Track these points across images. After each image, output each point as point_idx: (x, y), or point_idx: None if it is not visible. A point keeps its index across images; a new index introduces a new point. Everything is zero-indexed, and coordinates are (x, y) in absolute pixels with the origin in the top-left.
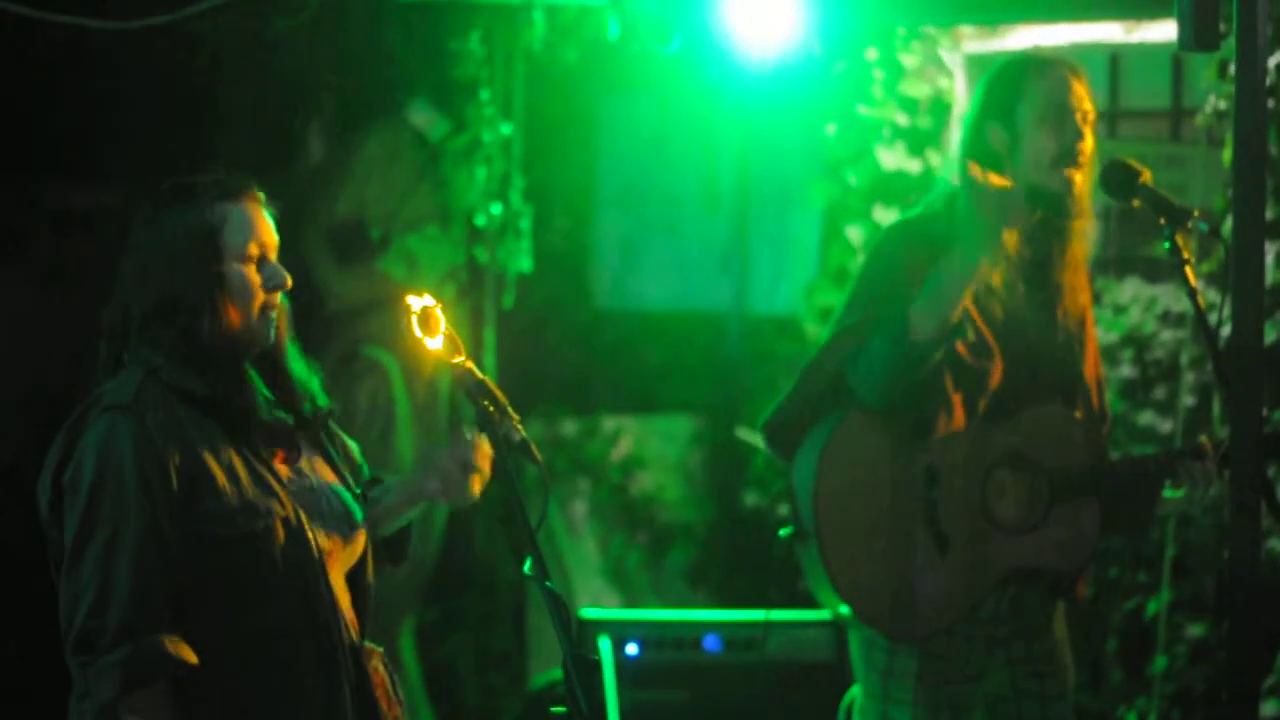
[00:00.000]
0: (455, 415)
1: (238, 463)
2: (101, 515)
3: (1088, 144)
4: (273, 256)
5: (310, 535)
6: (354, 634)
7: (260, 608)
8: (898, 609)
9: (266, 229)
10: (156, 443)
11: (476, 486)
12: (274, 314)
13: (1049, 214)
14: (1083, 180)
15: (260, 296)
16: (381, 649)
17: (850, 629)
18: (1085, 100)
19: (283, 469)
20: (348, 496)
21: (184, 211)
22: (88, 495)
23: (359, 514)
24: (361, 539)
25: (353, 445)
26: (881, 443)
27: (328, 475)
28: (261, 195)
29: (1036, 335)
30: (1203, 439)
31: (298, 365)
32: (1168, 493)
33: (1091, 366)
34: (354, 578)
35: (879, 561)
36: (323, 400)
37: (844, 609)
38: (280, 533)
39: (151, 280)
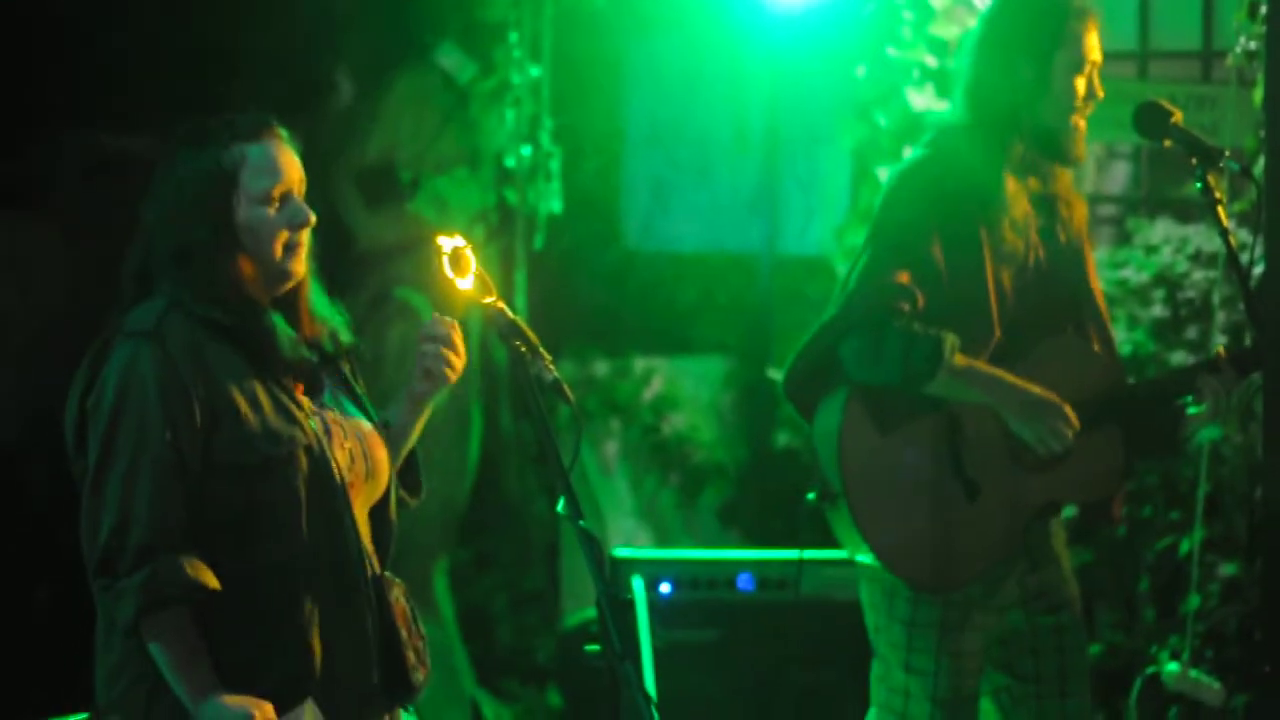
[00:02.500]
0: (486, 356)
1: (260, 391)
2: (122, 440)
3: (1098, 95)
4: (299, 192)
5: (334, 465)
6: (376, 566)
7: (283, 535)
8: (937, 562)
9: (290, 166)
10: (178, 369)
11: (454, 363)
12: (299, 252)
13: (1048, 158)
14: (1084, 127)
15: (283, 235)
16: (401, 581)
17: (865, 581)
18: (1098, 51)
19: (306, 401)
20: (371, 430)
21: (198, 156)
22: (109, 420)
23: (383, 448)
24: (385, 473)
25: (360, 386)
26: (901, 396)
27: (352, 409)
28: (284, 132)
29: (1050, 263)
30: (1217, 349)
31: (320, 302)
32: (1191, 409)
33: (1096, 286)
34: (376, 512)
35: (912, 516)
36: (346, 336)
37: (872, 564)
38: (303, 461)
39: (168, 228)
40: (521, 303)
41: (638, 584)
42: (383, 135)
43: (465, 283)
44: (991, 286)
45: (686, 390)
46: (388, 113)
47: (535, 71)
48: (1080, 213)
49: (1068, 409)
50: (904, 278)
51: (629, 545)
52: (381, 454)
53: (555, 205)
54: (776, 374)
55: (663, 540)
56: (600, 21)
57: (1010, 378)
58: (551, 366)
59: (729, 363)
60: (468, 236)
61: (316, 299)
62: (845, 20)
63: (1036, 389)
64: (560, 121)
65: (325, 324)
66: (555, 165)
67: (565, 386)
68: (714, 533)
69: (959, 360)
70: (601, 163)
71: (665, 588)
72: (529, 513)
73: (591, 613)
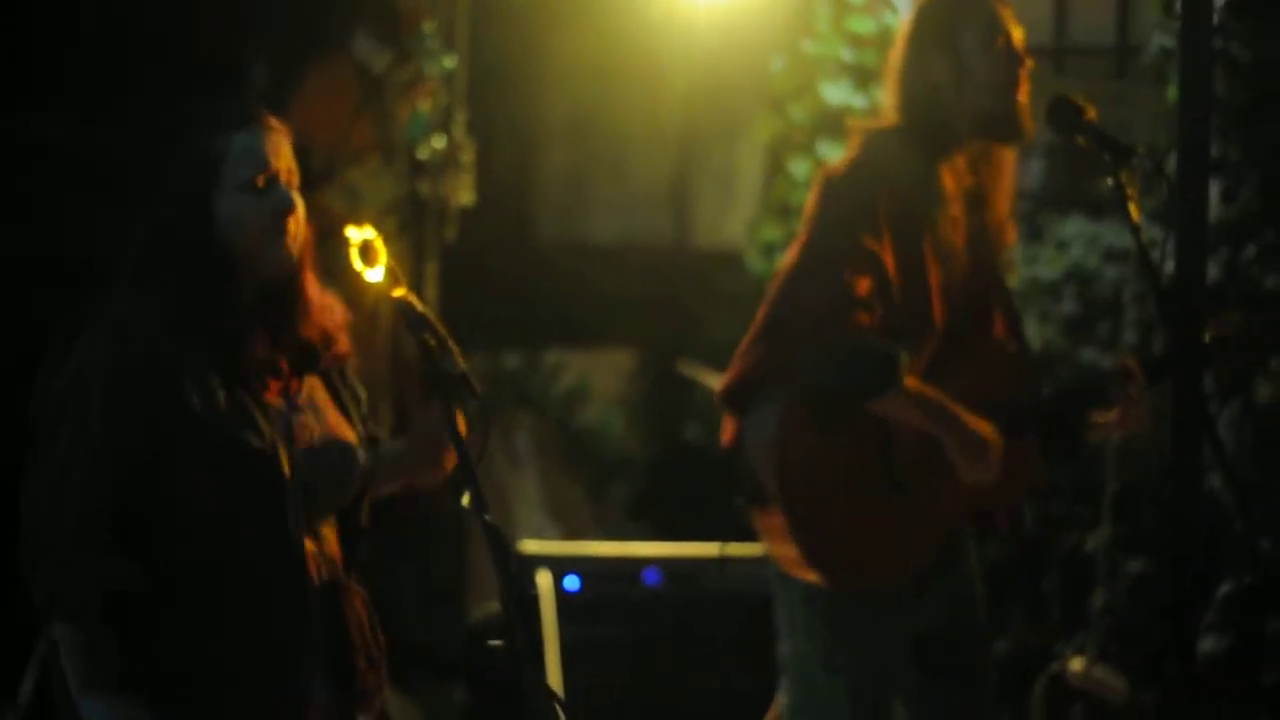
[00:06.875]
0: (398, 349)
1: (219, 391)
2: (63, 433)
3: (1028, 66)
4: (287, 180)
5: (285, 472)
6: (339, 572)
7: (223, 539)
8: (868, 568)
9: (276, 153)
10: (132, 365)
11: (447, 462)
12: (286, 241)
13: (998, 141)
14: (1025, 101)
15: (266, 223)
16: (364, 590)
17: (781, 580)
18: (1015, 25)
19: (275, 400)
20: (350, 437)
21: (180, 149)
22: (53, 414)
23: (358, 456)
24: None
25: (362, 393)
26: (839, 402)
27: (333, 416)
28: (271, 120)
29: (976, 264)
30: (1125, 359)
31: (320, 301)
32: (1099, 417)
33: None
34: (345, 518)
35: (845, 522)
36: (343, 342)
37: (797, 564)
38: (251, 465)
39: (147, 223)
40: (432, 294)
41: (544, 579)
42: (295, 125)
43: (375, 274)
44: (935, 288)
45: (597, 383)
46: (300, 102)
47: (450, 62)
48: (1002, 208)
49: (995, 448)
50: (862, 285)
51: (537, 539)
52: (354, 462)
53: (467, 197)
54: (688, 368)
55: (571, 534)
56: (515, 13)
57: (955, 408)
58: (460, 359)
59: (640, 356)
60: (380, 228)
61: (316, 296)
62: (761, 14)
63: (976, 424)
64: (474, 114)
65: (322, 324)
66: (468, 157)
67: (472, 380)
68: (622, 526)
69: (910, 383)
70: (515, 155)
71: (572, 582)
72: (437, 506)
73: (496, 607)
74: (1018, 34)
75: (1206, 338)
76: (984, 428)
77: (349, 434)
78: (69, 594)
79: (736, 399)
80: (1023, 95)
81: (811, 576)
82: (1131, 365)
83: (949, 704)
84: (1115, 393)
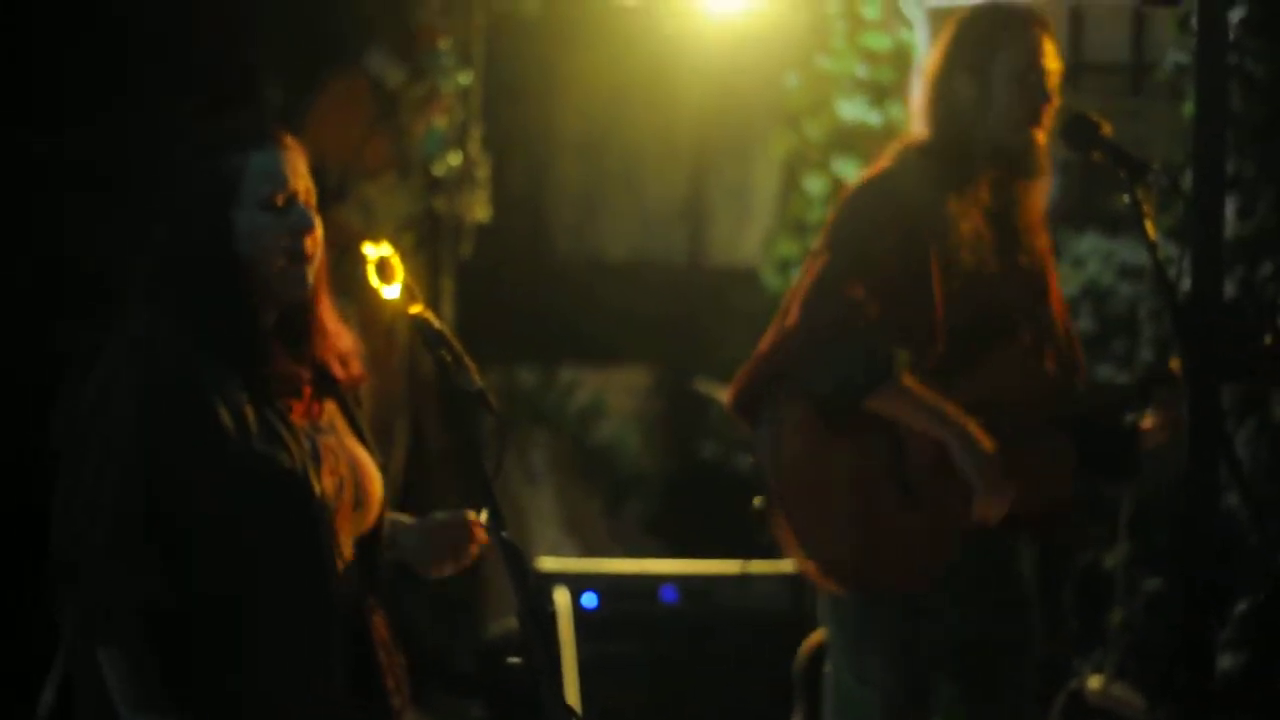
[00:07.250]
0: (415, 366)
1: (249, 411)
2: (94, 448)
3: (1055, 105)
4: (306, 200)
5: (316, 492)
6: (362, 593)
7: (255, 560)
8: (874, 568)
9: (295, 172)
10: (163, 383)
11: (448, 568)
12: (304, 262)
13: (1011, 174)
14: (1044, 139)
15: (284, 242)
16: (382, 606)
17: (819, 589)
18: (1054, 59)
19: (300, 422)
20: (367, 460)
21: (198, 166)
22: (78, 440)
23: (376, 480)
24: (375, 504)
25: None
26: (847, 406)
27: (350, 439)
28: (288, 138)
29: (1001, 281)
30: (1172, 361)
31: (334, 323)
32: (1144, 426)
33: (1060, 312)
34: (364, 541)
35: (849, 524)
36: (356, 365)
37: (818, 575)
38: (284, 485)
39: (165, 240)
40: (448, 311)
41: (561, 596)
42: (310, 141)
43: (392, 291)
44: (939, 298)
45: (613, 400)
46: (315, 118)
47: (465, 79)
48: (1042, 241)
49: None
50: (859, 291)
51: (553, 556)
52: (373, 486)
53: (483, 213)
54: (703, 384)
55: (587, 551)
56: (530, 30)
57: (959, 414)
58: (476, 376)
59: (655, 373)
60: (395, 243)
61: (331, 319)
62: (776, 30)
63: (981, 437)
64: (489, 130)
65: (337, 347)
66: (483, 173)
67: (489, 396)
68: (639, 543)
69: (908, 381)
70: (530, 172)
71: (589, 599)
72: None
73: (514, 623)
74: (1054, 68)
75: (1270, 341)
76: (987, 442)
77: (366, 458)
78: (109, 618)
79: (743, 406)
80: (1041, 133)
81: (827, 584)
82: (1174, 369)
83: (984, 713)
84: (1157, 396)
